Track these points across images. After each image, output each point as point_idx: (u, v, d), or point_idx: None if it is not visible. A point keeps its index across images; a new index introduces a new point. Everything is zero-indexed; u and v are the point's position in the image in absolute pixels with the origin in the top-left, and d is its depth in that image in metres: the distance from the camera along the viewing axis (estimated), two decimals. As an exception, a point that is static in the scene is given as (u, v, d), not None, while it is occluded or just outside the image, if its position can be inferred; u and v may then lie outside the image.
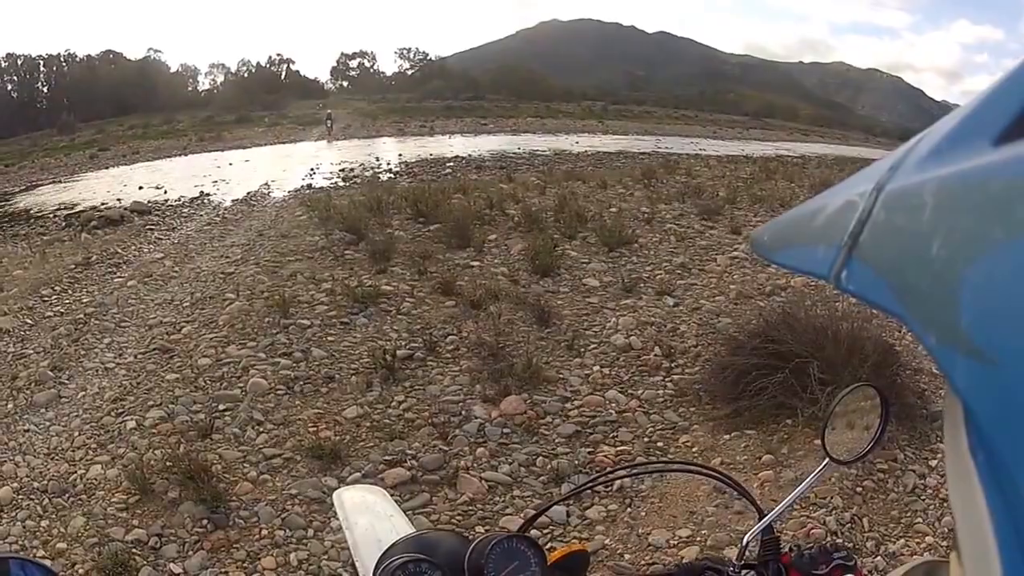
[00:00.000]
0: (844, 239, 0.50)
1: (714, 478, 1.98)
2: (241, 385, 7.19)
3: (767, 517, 1.70)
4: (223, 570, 4.88)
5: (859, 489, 5.08)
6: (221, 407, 6.81)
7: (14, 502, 5.66)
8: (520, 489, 5.63)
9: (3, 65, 70.39)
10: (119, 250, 13.53)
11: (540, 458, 5.95)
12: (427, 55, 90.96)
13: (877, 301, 0.47)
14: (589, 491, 5.40)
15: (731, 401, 6.23)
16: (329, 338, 8.13)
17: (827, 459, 1.76)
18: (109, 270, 12.02)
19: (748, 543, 1.69)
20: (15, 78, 71.32)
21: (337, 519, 5.08)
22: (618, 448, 6.10)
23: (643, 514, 5.18)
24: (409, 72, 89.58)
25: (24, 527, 5.35)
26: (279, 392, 7.05)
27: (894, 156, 0.52)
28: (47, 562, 3.58)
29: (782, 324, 6.46)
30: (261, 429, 6.46)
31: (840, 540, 4.59)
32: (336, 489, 3.34)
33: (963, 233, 0.40)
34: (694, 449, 5.96)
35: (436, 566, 1.54)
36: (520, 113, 57.93)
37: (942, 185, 0.43)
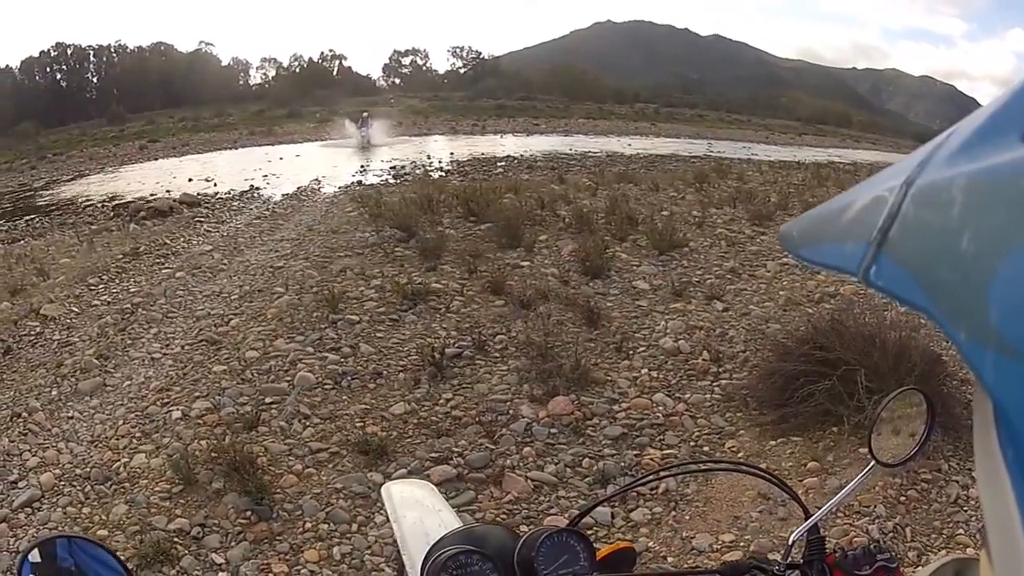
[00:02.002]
0: (873, 235, 0.51)
1: (762, 477, 1.99)
2: (288, 379, 7.25)
3: (813, 517, 1.70)
4: (265, 562, 4.94)
5: (903, 498, 5.05)
6: (268, 400, 6.88)
7: (56, 488, 5.76)
8: (565, 489, 5.65)
9: (52, 54, 70.99)
10: (168, 241, 13.75)
11: (586, 459, 5.97)
12: (480, 54, 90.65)
13: (906, 297, 0.47)
14: (635, 493, 5.41)
15: (778, 407, 6.20)
16: (378, 334, 8.18)
17: (873, 462, 1.77)
18: (157, 261, 12.19)
19: (794, 543, 1.70)
20: (64, 67, 71.85)
21: (382, 514, 5.13)
22: (664, 451, 6.09)
23: (687, 517, 5.18)
24: (462, 71, 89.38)
25: (65, 513, 5.45)
26: (326, 387, 7.11)
27: (923, 151, 0.52)
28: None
29: (831, 331, 6.42)
30: (308, 423, 6.51)
31: (884, 542, 4.58)
32: (383, 484, 3.37)
33: (993, 228, 0.40)
34: (740, 454, 5.94)
35: (487, 557, 1.57)
36: (572, 114, 57.57)
37: (972, 180, 0.43)
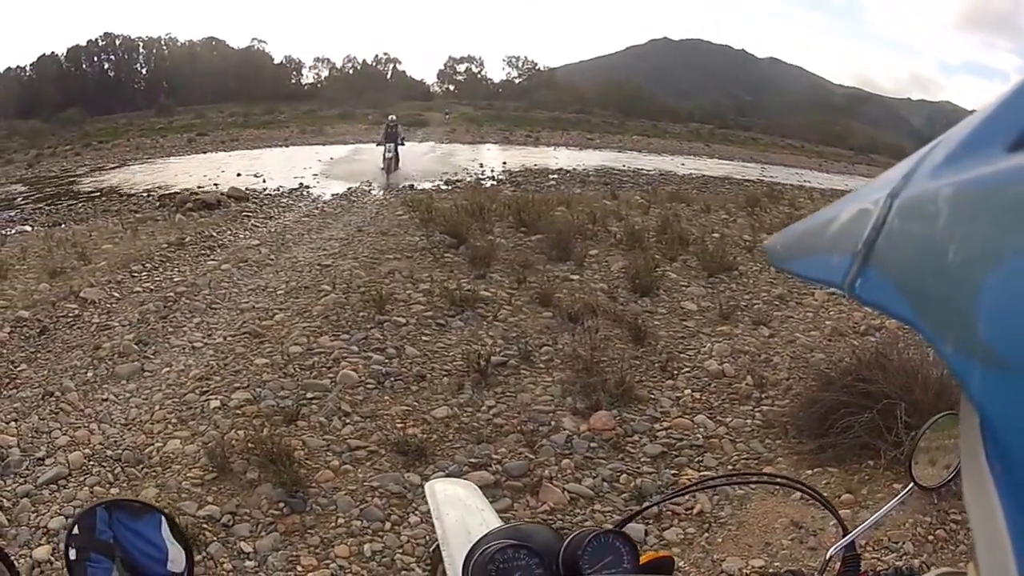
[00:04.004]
0: (858, 247, 0.51)
1: (805, 493, 2.02)
2: (331, 376, 7.34)
3: (851, 534, 1.71)
4: (295, 554, 5.01)
5: (931, 537, 5.02)
6: (309, 395, 6.97)
7: (84, 467, 5.88)
8: (601, 504, 5.68)
9: (101, 44, 71.13)
10: (214, 233, 13.94)
11: (624, 475, 6.00)
12: (535, 64, 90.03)
13: (892, 309, 0.47)
14: (669, 511, 5.44)
15: (817, 437, 6.19)
16: (424, 337, 8.25)
17: (912, 484, 1.80)
18: (203, 252, 12.38)
19: (831, 557, 1.71)
20: (112, 57, 71.99)
21: (417, 514, 5.19)
22: (702, 472, 6.10)
23: (719, 540, 5.19)
24: (516, 81, 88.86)
25: (91, 492, 5.56)
26: (369, 386, 7.19)
27: (908, 164, 0.53)
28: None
29: (874, 364, 6.40)
30: (348, 420, 6.60)
31: (916, 562, 4.58)
32: (422, 483, 3.41)
33: (980, 240, 0.40)
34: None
35: (534, 552, 1.60)
36: (626, 130, 57.02)
37: (957, 192, 0.43)
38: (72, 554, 1.55)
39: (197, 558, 4.87)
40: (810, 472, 5.94)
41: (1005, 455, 0.38)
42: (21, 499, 5.48)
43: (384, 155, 25.16)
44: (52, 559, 4.83)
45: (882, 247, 0.49)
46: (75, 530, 1.56)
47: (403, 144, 26.52)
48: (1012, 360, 0.36)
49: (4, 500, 5.49)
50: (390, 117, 27.44)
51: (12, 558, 2.71)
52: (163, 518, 1.65)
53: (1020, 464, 0.37)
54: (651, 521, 5.37)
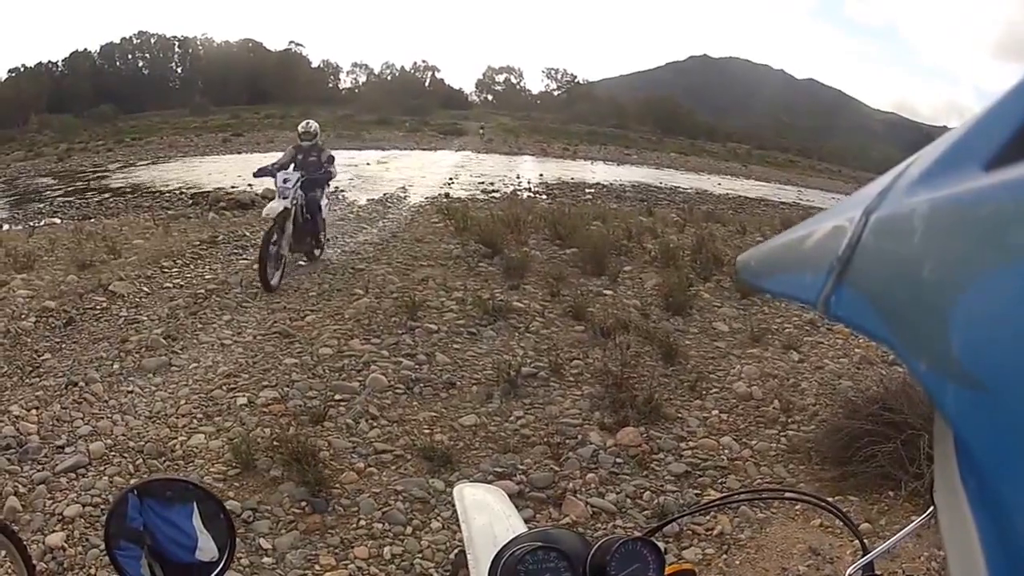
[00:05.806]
0: (833, 264, 0.50)
1: (828, 510, 2.05)
2: (360, 379, 7.40)
3: (870, 554, 1.73)
4: (314, 552, 5.03)
5: (944, 572, 4.99)
6: (337, 397, 7.03)
7: (105, 458, 5.91)
8: (623, 520, 5.68)
9: (135, 42, 71.52)
10: (247, 233, 13.95)
11: (647, 492, 6.00)
12: (575, 77, 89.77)
13: (866, 327, 0.47)
14: (689, 531, 5.47)
15: (839, 464, 6.17)
16: (455, 345, 8.31)
17: (933, 507, 1.82)
18: (235, 251, 12.43)
19: None
20: (147, 55, 72.40)
21: (439, 520, 5.23)
22: (724, 494, 6.10)
23: (737, 562, 5.17)
24: (555, 93, 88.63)
25: (111, 482, 5.59)
26: (398, 391, 7.24)
27: (883, 181, 0.52)
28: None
29: (901, 393, 6.33)
30: (375, 424, 6.64)
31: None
32: (453, 486, 3.44)
33: (955, 258, 0.40)
34: (797, 507, 5.95)
35: (564, 555, 1.65)
36: (664, 147, 56.83)
37: (933, 210, 0.43)
38: (106, 541, 1.62)
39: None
40: (830, 499, 5.90)
41: (979, 472, 0.39)
42: (37, 486, 5.52)
43: (280, 186, 11.07)
44: (65, 545, 4.89)
45: (857, 264, 0.49)
46: (110, 517, 1.61)
47: (328, 186, 12.83)
48: (985, 378, 0.37)
49: (20, 486, 5.53)
50: (305, 125, 12.60)
51: (25, 543, 2.77)
52: (196, 506, 1.69)
53: (993, 481, 0.37)
54: (671, 539, 5.37)
